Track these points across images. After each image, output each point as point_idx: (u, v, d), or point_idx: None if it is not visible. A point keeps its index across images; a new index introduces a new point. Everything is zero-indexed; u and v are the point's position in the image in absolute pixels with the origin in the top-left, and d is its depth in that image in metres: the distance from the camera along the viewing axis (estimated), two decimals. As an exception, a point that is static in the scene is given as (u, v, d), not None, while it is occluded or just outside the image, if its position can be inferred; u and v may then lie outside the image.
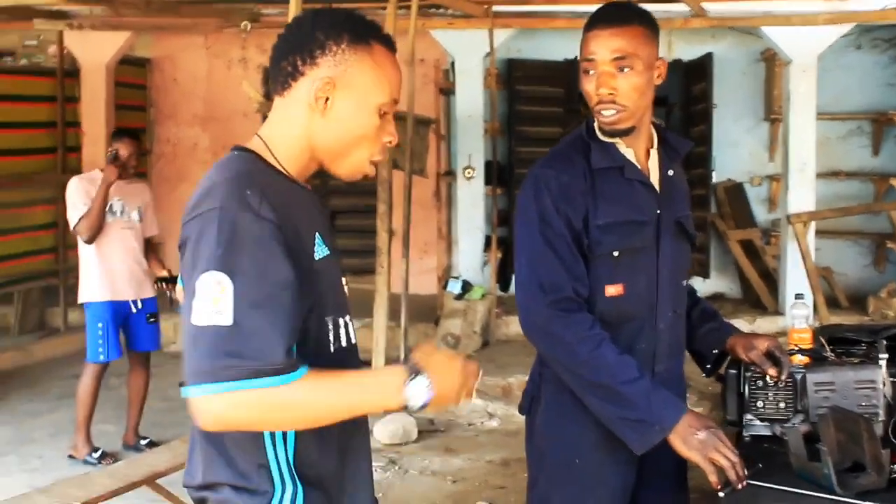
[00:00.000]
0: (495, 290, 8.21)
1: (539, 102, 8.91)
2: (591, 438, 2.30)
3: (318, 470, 1.70)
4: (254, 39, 8.73)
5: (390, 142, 1.75)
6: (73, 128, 8.68)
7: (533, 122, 8.91)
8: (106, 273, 5.33)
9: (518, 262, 2.31)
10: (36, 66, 9.50)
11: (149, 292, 5.48)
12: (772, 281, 8.46)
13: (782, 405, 2.32)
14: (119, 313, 5.37)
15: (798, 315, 2.65)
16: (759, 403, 2.34)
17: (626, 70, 2.21)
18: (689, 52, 8.67)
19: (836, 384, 2.27)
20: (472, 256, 8.40)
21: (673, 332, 2.41)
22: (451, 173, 8.86)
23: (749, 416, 2.36)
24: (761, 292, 8.37)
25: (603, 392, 2.18)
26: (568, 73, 9.01)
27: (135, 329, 5.48)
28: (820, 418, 2.13)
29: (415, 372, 1.60)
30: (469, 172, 8.38)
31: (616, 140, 2.31)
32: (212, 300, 1.51)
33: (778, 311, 8.14)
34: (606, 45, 2.21)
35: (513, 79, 8.92)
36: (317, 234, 1.71)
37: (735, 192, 8.96)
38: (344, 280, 1.85)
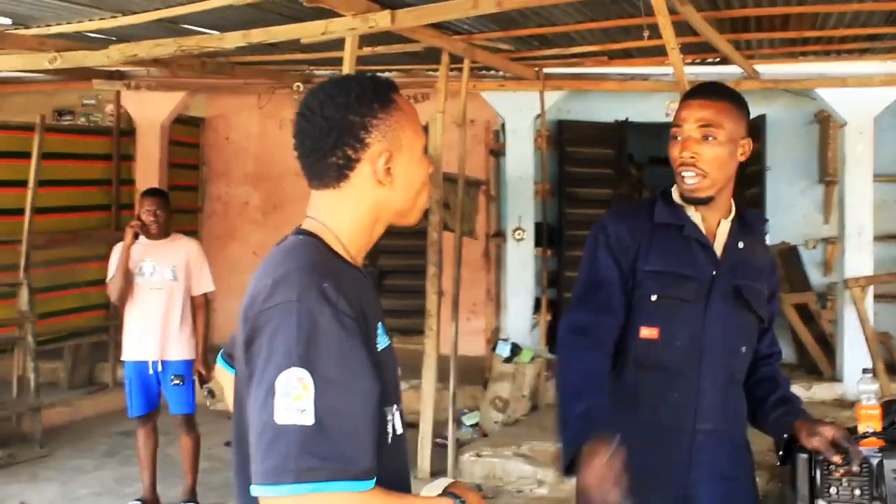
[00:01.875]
0: (545, 353, 8.09)
1: (589, 164, 8.88)
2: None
3: None
4: (306, 100, 8.83)
5: (431, 172, 1.79)
6: (127, 185, 8.84)
7: (583, 183, 8.88)
8: (130, 333, 5.40)
9: (573, 293, 2.53)
10: (93, 124, 9.72)
11: (175, 354, 5.40)
12: (828, 346, 8.25)
13: (857, 492, 2.21)
14: (142, 373, 5.36)
15: (867, 391, 2.55)
16: (833, 490, 2.23)
17: (710, 139, 2.36)
18: (741, 113, 8.55)
19: (916, 470, 2.15)
20: (521, 318, 8.31)
21: (725, 394, 2.45)
22: (500, 234, 8.82)
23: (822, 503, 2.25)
24: (818, 358, 8.16)
25: (559, 405, 2.31)
26: (618, 134, 9.00)
27: (166, 392, 5.44)
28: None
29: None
30: (519, 234, 8.34)
31: (689, 206, 2.44)
32: (293, 398, 1.46)
33: (835, 378, 7.93)
34: (694, 114, 2.38)
35: (563, 140, 8.90)
36: (379, 323, 1.68)
37: (790, 255, 8.79)
38: (398, 369, 1.81)
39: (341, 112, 1.64)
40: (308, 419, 1.45)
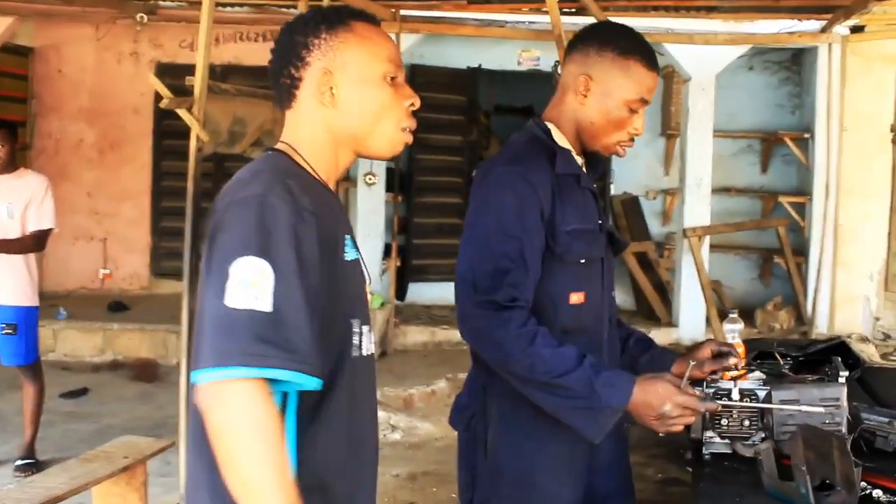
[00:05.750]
0: (394, 300, 8.08)
1: (441, 110, 8.83)
2: (548, 453, 2.21)
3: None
4: (148, 33, 8.37)
5: (412, 104, 1.74)
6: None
7: (434, 129, 8.82)
8: None
9: (461, 256, 2.20)
10: None
11: (5, 299, 5.02)
12: (664, 293, 8.63)
13: (746, 423, 2.29)
14: None
15: (732, 329, 2.64)
16: (723, 422, 2.30)
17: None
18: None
19: (801, 402, 2.24)
20: (371, 264, 8.20)
21: (612, 343, 2.39)
22: (350, 179, 8.69)
23: (710, 434, 2.32)
24: (655, 304, 8.51)
25: (547, 387, 2.08)
26: (470, 81, 9.00)
27: None
28: (791, 436, 2.10)
29: None
30: (370, 178, 8.24)
31: (570, 149, 2.29)
32: (250, 284, 1.43)
33: (671, 324, 8.30)
34: (653, 89, 2.26)
35: (416, 84, 8.59)
36: (347, 236, 1.67)
37: (631, 205, 9.10)
38: (368, 287, 1.76)
39: (289, 34, 1.71)
40: (264, 306, 1.42)
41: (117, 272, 9.09)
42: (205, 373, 1.40)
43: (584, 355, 2.08)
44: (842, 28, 7.80)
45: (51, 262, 8.30)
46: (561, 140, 2.28)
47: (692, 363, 2.23)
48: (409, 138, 1.77)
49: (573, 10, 7.13)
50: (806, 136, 8.42)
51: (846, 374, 2.32)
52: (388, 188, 8.40)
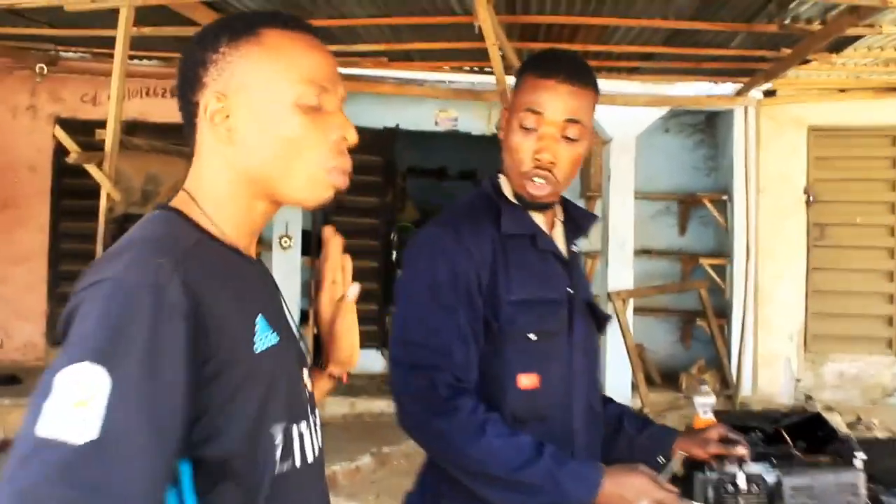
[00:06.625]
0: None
1: (358, 170, 8.31)
2: None
3: None
4: (47, 85, 7.87)
5: (343, 138, 1.34)
6: None
7: (351, 190, 8.42)
8: None
9: (393, 338, 1.90)
10: None
11: None
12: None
13: (756, 513, 2.04)
14: None
15: (704, 403, 2.41)
16: (731, 511, 2.05)
17: (572, 139, 1.91)
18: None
19: (816, 489, 2.01)
20: (286, 330, 7.85)
21: (590, 432, 2.07)
22: (263, 242, 8.32)
23: (713, 527, 2.07)
24: (579, 369, 8.31)
25: (501, 484, 1.78)
26: (388, 141, 8.78)
27: None
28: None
29: None
30: (286, 242, 7.89)
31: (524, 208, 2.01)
32: (74, 404, 1.03)
33: (596, 389, 8.11)
34: (561, 104, 1.90)
35: None
36: (259, 316, 1.26)
37: (551, 267, 8.95)
38: (305, 373, 1.39)
39: (191, 49, 1.33)
40: (85, 433, 1.01)
41: (9, 342, 8.43)
42: None
43: (541, 444, 1.79)
44: (756, 92, 7.89)
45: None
46: (511, 196, 2.01)
47: (681, 454, 1.99)
48: (341, 181, 1.35)
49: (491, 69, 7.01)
50: (723, 197, 8.45)
51: (863, 456, 2.10)
52: (305, 252, 8.05)
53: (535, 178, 1.92)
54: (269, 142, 1.28)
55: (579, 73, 1.93)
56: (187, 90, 1.32)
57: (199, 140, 1.32)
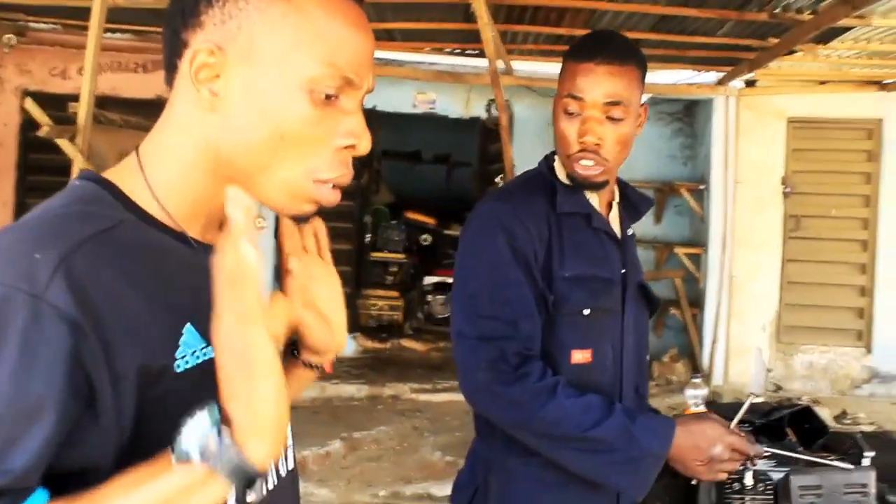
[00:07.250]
0: (282, 350, 7.57)
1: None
2: None
3: None
4: (14, 57, 7.65)
5: (353, 146, 1.07)
6: None
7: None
8: None
9: (456, 312, 1.93)
10: None
11: None
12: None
13: (762, 512, 1.99)
14: None
15: (695, 395, 2.37)
16: (736, 509, 2.00)
17: (617, 119, 1.91)
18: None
19: (824, 488, 1.96)
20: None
21: None
22: (235, 221, 8.18)
23: (719, 526, 2.02)
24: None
25: (575, 444, 1.82)
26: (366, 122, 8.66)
27: None
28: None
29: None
30: (259, 222, 7.71)
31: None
32: None
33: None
34: (600, 86, 1.90)
35: None
36: (188, 326, 1.02)
37: (527, 253, 8.90)
38: None
39: None
40: None
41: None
42: None
43: (612, 402, 1.84)
44: (736, 82, 7.86)
45: None
46: (565, 178, 2.02)
47: (751, 397, 2.06)
48: (329, 197, 1.09)
49: (476, 52, 6.92)
50: (701, 187, 8.42)
51: (871, 454, 2.05)
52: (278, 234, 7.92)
53: (583, 161, 1.94)
54: (257, 124, 1.02)
55: (618, 53, 1.93)
56: (178, 22, 1.04)
57: (174, 93, 1.06)
